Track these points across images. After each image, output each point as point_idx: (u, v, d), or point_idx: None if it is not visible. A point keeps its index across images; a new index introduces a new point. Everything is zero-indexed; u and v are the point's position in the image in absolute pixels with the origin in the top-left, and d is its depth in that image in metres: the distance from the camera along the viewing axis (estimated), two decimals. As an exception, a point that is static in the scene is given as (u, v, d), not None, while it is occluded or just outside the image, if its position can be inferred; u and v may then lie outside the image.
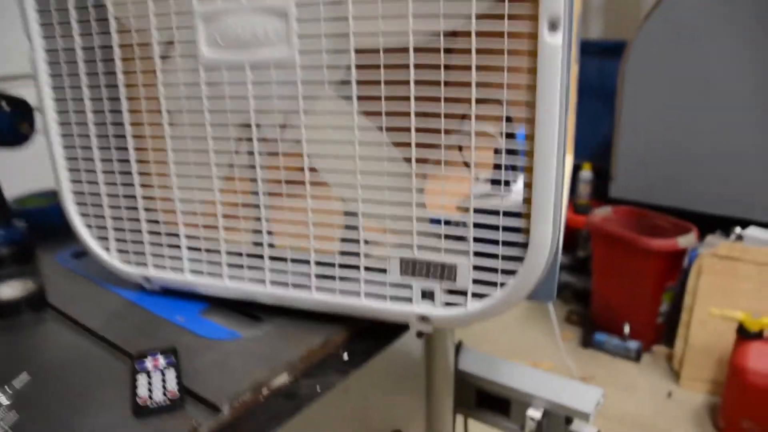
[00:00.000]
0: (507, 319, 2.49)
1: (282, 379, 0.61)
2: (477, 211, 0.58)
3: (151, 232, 0.74)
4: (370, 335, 0.69)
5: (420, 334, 0.83)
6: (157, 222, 0.74)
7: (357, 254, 0.63)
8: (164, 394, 0.56)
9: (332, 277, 0.65)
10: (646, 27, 2.26)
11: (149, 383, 0.58)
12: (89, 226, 0.78)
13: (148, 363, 0.61)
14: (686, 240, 2.11)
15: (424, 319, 0.62)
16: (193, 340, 0.67)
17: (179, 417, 0.54)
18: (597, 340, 2.29)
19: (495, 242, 0.58)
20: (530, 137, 0.53)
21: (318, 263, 0.66)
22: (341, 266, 0.65)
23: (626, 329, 2.25)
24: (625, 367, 2.19)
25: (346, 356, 0.65)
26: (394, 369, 0.79)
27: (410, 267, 0.61)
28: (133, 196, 0.73)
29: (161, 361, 0.61)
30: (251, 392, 0.58)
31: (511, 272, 0.58)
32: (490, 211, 0.58)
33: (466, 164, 0.56)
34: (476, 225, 0.58)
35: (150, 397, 0.56)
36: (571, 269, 2.63)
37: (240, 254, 0.69)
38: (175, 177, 0.70)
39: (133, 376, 0.59)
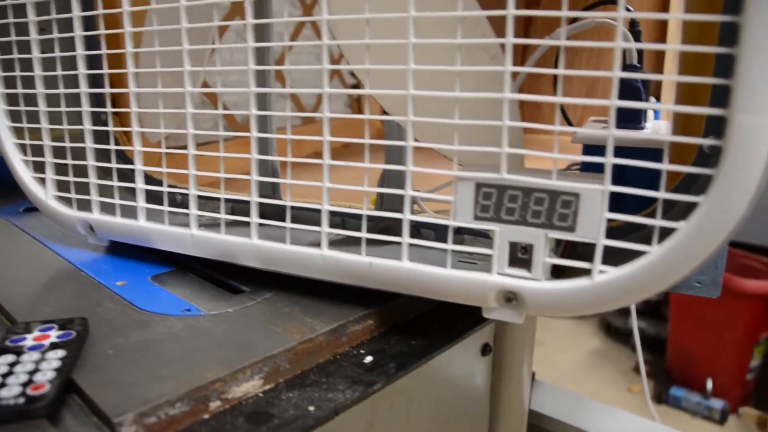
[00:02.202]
0: (564, 363, 2.18)
1: (250, 386, 0.34)
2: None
3: (100, 164, 0.50)
4: (415, 329, 0.42)
5: (487, 349, 0.56)
6: (107, 149, 0.49)
7: (399, 179, 0.36)
8: (23, 390, 0.30)
9: (355, 224, 0.38)
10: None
11: (10, 369, 0.32)
12: (24, 153, 0.54)
13: (29, 338, 0.35)
14: (788, 284, 1.81)
15: (510, 297, 0.35)
16: (124, 313, 0.41)
17: (35, 435, 0.28)
18: (673, 395, 2.00)
19: (653, 154, 0.31)
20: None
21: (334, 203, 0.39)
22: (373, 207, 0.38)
23: (709, 385, 1.95)
24: (708, 430, 1.87)
25: (369, 359, 0.38)
26: (446, 400, 0.52)
27: (492, 200, 0.34)
28: (78, 113, 0.49)
29: (53, 336, 0.36)
30: (187, 404, 0.32)
31: (684, 210, 0.30)
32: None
33: None
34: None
35: (-6, 394, 0.30)
36: (642, 314, 2.35)
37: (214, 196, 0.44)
38: (133, 83, 0.46)
39: (-8, 356, 0.33)
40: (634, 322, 1.19)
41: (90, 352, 0.36)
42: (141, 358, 0.35)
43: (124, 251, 0.54)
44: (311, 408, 0.33)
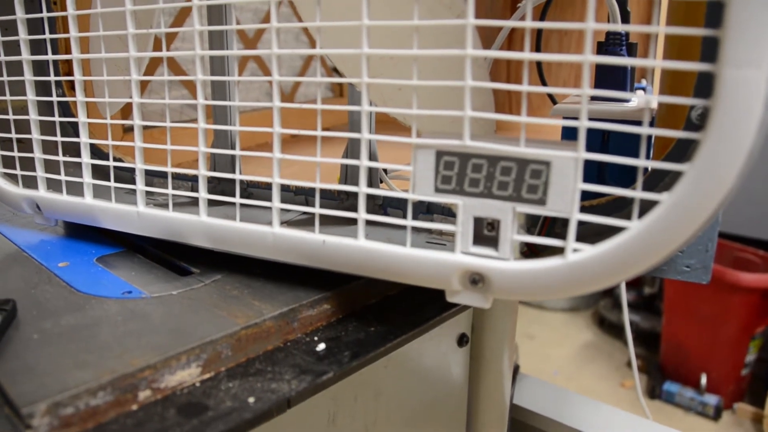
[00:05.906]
0: (557, 357, 2.15)
1: (186, 375, 0.31)
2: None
3: (44, 137, 0.46)
4: (375, 315, 0.38)
5: (464, 340, 0.53)
6: (60, 122, 0.46)
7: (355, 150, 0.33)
8: None
9: (323, 203, 0.35)
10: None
11: None
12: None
13: (-56, 322, 0.32)
14: (784, 277, 1.78)
15: (476, 278, 0.31)
16: (59, 295, 0.38)
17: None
18: (666, 390, 1.97)
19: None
20: None
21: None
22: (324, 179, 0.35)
23: (703, 380, 1.91)
24: (701, 426, 1.85)
25: (322, 347, 0.35)
26: (420, 394, 0.48)
27: (455, 170, 0.31)
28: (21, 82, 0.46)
29: (-29, 320, 0.32)
30: (111, 393, 0.28)
31: (667, 180, 0.27)
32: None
33: None
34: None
35: None
36: (636, 307, 2.32)
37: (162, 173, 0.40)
38: (75, 49, 0.42)
39: None
40: (626, 316, 1.16)
41: (13, 337, 0.32)
42: (67, 344, 0.31)
43: (77, 233, 0.51)
44: (251, 399, 0.29)
